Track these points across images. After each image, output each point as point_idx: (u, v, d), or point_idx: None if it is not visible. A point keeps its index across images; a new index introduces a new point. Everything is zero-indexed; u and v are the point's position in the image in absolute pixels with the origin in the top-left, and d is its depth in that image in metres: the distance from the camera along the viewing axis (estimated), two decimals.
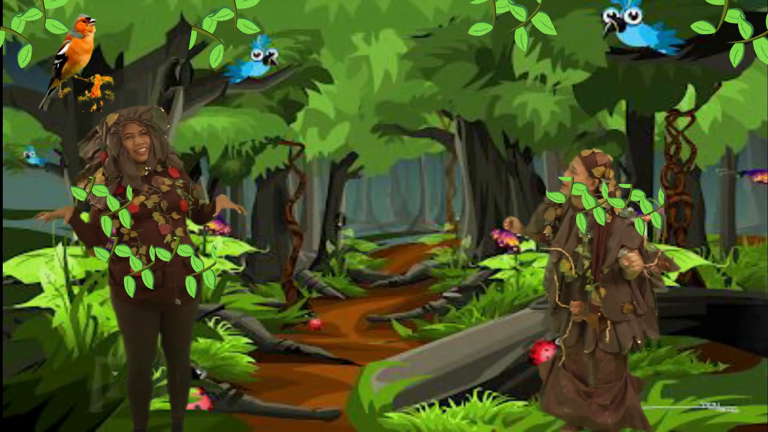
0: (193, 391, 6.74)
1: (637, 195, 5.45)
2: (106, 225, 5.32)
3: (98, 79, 5.81)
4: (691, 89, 10.02)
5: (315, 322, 12.20)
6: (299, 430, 7.14)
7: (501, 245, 11.15)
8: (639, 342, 5.66)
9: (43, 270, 7.26)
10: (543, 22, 5.67)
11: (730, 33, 5.51)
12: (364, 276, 17.47)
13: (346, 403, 7.23)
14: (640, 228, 5.52)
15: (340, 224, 18.10)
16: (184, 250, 5.33)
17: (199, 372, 7.42)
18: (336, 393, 8.06)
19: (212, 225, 10.35)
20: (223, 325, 9.23)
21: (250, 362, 8.84)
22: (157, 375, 6.54)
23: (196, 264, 5.33)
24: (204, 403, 6.89)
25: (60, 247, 7.24)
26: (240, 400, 7.33)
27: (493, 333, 7.61)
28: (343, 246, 18.32)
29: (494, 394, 6.96)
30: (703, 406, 6.56)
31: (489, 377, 7.21)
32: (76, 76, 5.72)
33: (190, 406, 6.41)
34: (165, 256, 5.25)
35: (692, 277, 10.22)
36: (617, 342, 5.63)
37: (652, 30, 5.78)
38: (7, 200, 7.71)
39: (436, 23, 9.19)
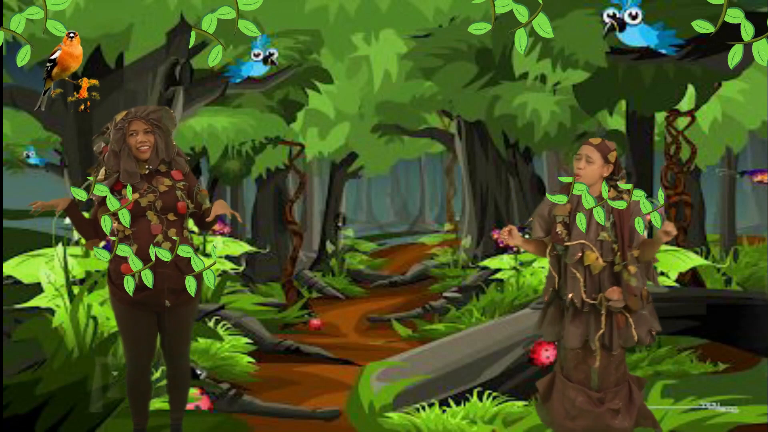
0: (193, 391, 6.74)
1: (638, 195, 5.46)
2: (106, 225, 5.33)
3: (86, 82, 6.06)
4: (691, 89, 10.01)
5: (315, 322, 12.20)
6: (299, 430, 7.14)
7: (501, 245, 11.13)
8: (653, 333, 5.59)
9: (43, 270, 7.25)
10: (541, 26, 5.66)
11: (730, 33, 5.52)
12: (364, 276, 17.47)
13: (346, 403, 7.21)
14: (641, 228, 5.50)
15: (340, 224, 18.10)
16: (184, 251, 5.33)
17: (199, 372, 7.41)
18: (336, 393, 8.06)
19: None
20: (223, 325, 9.22)
21: (250, 362, 8.83)
22: (157, 375, 6.54)
23: (196, 264, 5.33)
24: (204, 403, 6.89)
25: (60, 247, 7.24)
26: (240, 400, 7.33)
27: (493, 333, 7.59)
28: (343, 246, 18.32)
29: (494, 394, 6.95)
30: (703, 406, 6.55)
31: (489, 377, 7.20)
32: (67, 79, 5.99)
33: (190, 406, 6.40)
34: (165, 256, 5.26)
35: (692, 277, 10.22)
36: (635, 335, 5.51)
37: (652, 30, 5.77)
38: (7, 200, 7.70)
39: (436, 23, 9.19)
